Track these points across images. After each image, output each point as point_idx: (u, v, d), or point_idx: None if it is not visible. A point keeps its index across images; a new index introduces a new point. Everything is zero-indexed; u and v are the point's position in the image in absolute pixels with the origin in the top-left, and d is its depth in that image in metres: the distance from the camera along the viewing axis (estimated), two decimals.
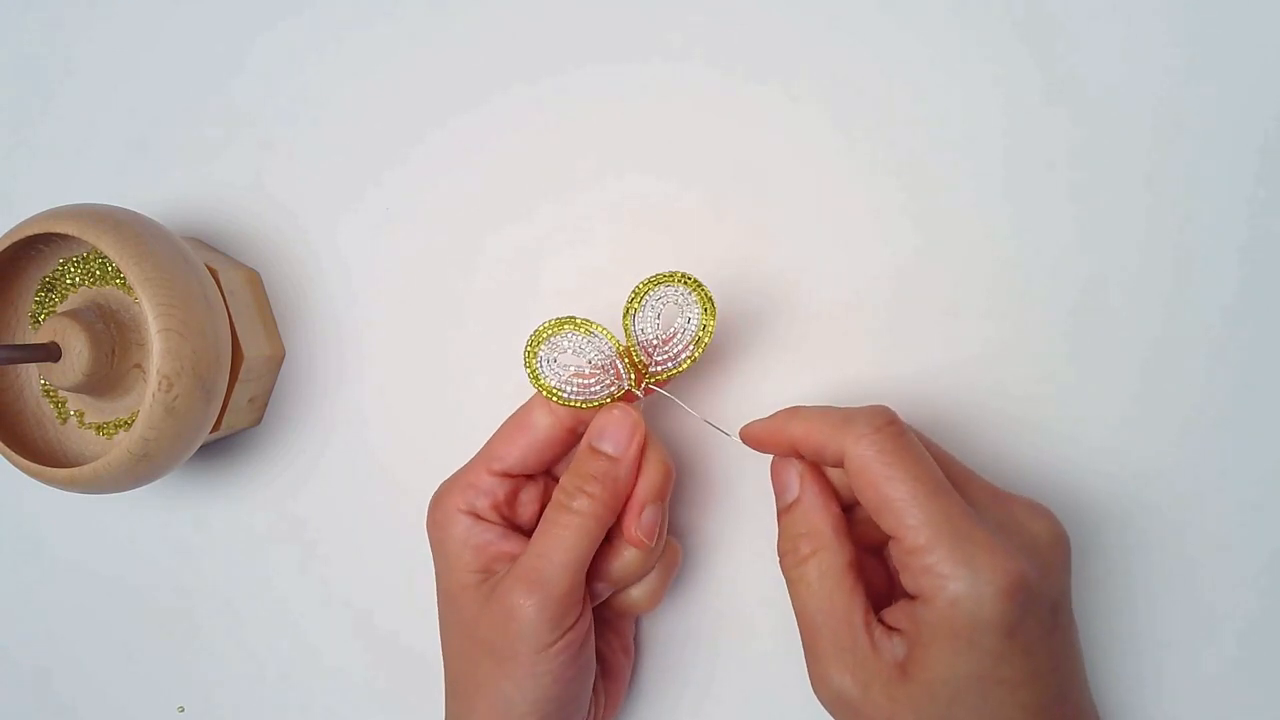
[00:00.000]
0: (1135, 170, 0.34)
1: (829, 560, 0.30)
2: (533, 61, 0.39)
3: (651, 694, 0.39)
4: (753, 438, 0.33)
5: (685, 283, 0.32)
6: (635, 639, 0.38)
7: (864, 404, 0.31)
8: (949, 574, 0.27)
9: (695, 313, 0.32)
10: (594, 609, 0.35)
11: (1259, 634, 0.34)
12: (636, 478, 0.32)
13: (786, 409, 0.32)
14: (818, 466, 0.32)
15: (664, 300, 0.33)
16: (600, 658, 0.36)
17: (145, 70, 0.43)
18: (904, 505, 0.28)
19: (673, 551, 0.35)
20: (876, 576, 0.32)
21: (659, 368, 0.33)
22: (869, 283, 0.36)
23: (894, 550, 0.29)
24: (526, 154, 0.39)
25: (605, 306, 0.38)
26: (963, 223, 0.36)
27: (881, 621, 0.29)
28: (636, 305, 0.33)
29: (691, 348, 0.32)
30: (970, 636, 0.27)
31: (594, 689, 0.35)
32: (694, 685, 0.38)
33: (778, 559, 0.32)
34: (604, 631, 0.36)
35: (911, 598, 0.28)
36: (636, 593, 0.35)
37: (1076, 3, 0.35)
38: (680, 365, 0.33)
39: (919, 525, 0.28)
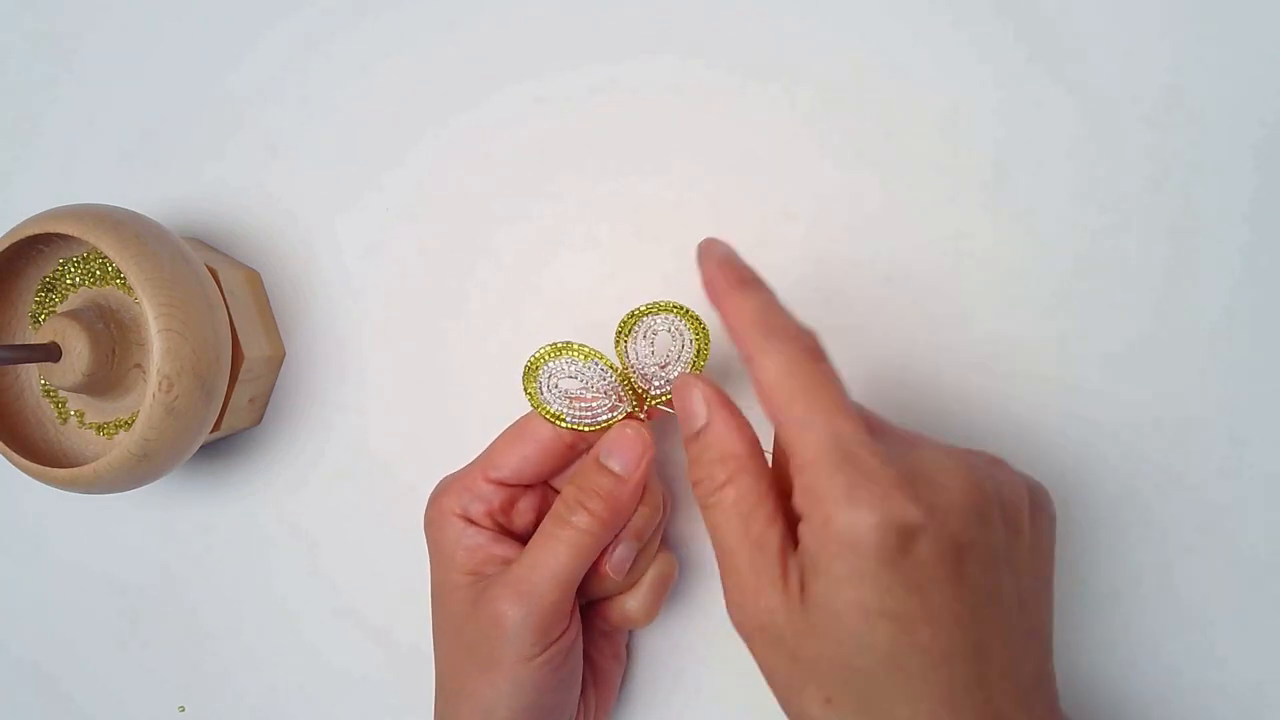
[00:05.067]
0: (1134, 168, 0.34)
1: (747, 484, 0.28)
2: (534, 61, 0.39)
3: (642, 701, 0.39)
4: (711, 285, 0.29)
5: (676, 311, 0.32)
6: (627, 646, 0.38)
7: (868, 405, 0.31)
8: (825, 491, 0.25)
9: (689, 338, 0.32)
10: (587, 620, 0.35)
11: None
12: (640, 500, 0.32)
13: (748, 278, 0.29)
14: (723, 392, 0.30)
15: (656, 328, 0.33)
16: (591, 664, 0.36)
17: (145, 70, 0.43)
18: (800, 421, 0.27)
19: (668, 565, 0.35)
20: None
21: (658, 391, 0.33)
22: (871, 284, 0.36)
23: (790, 469, 0.27)
24: (527, 153, 0.39)
25: (606, 310, 0.38)
26: (965, 224, 0.36)
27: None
28: (626, 335, 0.33)
29: (688, 371, 0.33)
30: (849, 560, 0.25)
31: (584, 695, 0.35)
32: (684, 693, 0.38)
33: (691, 488, 0.30)
34: (595, 639, 0.36)
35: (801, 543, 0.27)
36: (631, 605, 0.34)
37: (1076, 1, 0.35)
38: None
39: (809, 442, 0.26)
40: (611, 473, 0.32)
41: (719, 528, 0.29)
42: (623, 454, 0.32)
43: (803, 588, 0.26)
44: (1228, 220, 0.34)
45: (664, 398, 0.33)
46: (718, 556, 0.29)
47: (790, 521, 0.28)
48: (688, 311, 0.32)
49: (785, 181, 0.37)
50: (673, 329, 0.32)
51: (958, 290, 0.36)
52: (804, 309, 0.37)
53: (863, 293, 0.36)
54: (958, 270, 0.36)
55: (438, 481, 0.35)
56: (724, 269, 0.29)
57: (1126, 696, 0.35)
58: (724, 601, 0.28)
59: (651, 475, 0.33)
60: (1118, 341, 0.35)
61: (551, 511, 0.32)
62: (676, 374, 0.32)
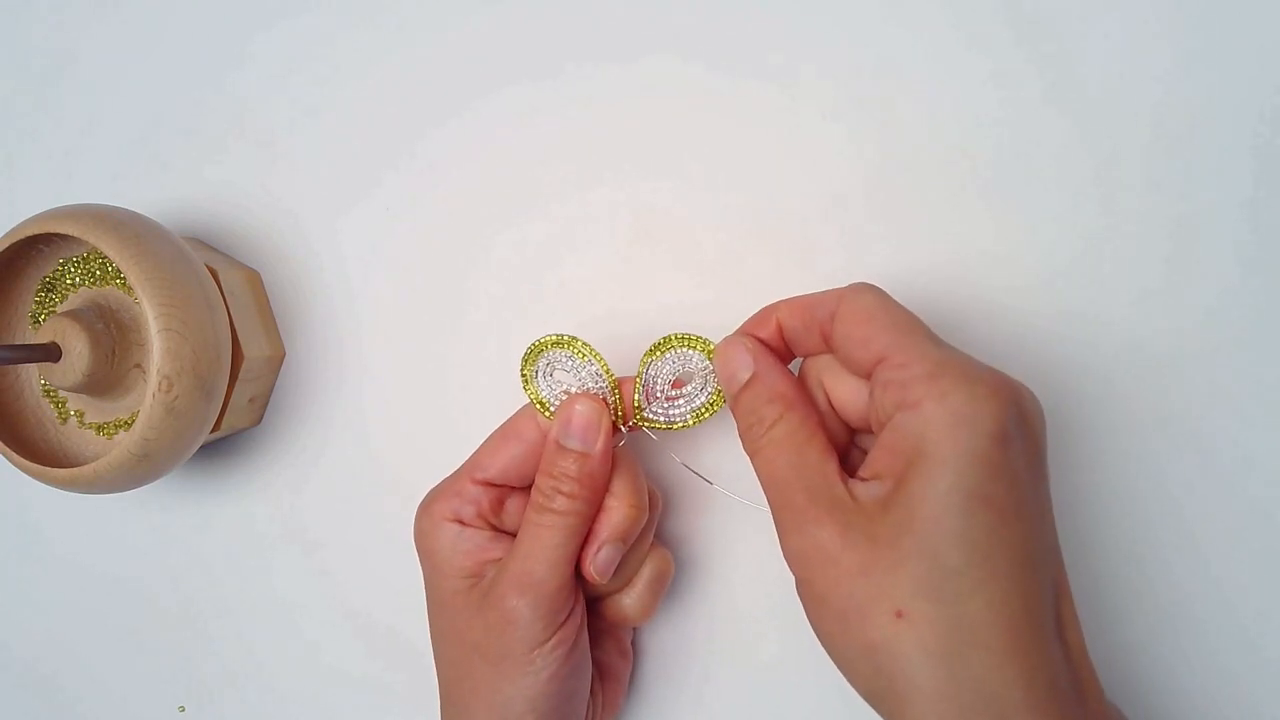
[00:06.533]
0: (1133, 168, 0.34)
1: (798, 419, 0.29)
2: (534, 61, 0.39)
3: (650, 698, 0.39)
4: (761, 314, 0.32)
5: (711, 354, 0.32)
6: (634, 643, 0.38)
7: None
8: (940, 374, 0.26)
9: (708, 388, 0.33)
10: (589, 619, 0.35)
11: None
12: (611, 467, 0.32)
13: (766, 305, 0.32)
14: (763, 343, 0.31)
15: (689, 361, 0.33)
16: (596, 662, 0.36)
17: (145, 70, 0.43)
18: (895, 328, 0.28)
19: (664, 563, 0.35)
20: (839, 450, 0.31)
21: (653, 415, 0.33)
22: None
23: (882, 374, 0.28)
24: (527, 154, 0.39)
25: (605, 310, 0.38)
26: (965, 226, 0.36)
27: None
28: (657, 354, 0.33)
29: (689, 417, 0.33)
30: (963, 438, 0.25)
31: (592, 691, 0.35)
32: (692, 689, 0.38)
33: (740, 441, 0.30)
34: (600, 637, 0.36)
35: (886, 450, 0.27)
36: (627, 604, 0.35)
37: (1076, 1, 0.35)
38: (673, 424, 0.33)
39: (910, 341, 0.27)
40: (573, 451, 0.32)
41: (772, 463, 0.29)
42: (578, 429, 0.32)
43: (886, 498, 0.26)
44: (1227, 220, 0.34)
45: (655, 424, 0.33)
46: (770, 496, 0.29)
47: (841, 456, 0.29)
48: None
49: (786, 183, 0.37)
50: (702, 371, 0.33)
51: (958, 294, 0.36)
52: None
53: None
54: (958, 273, 0.36)
55: (436, 484, 0.35)
56: (744, 325, 0.32)
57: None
58: (779, 541, 0.28)
59: (631, 476, 0.33)
60: (1117, 342, 0.35)
61: (531, 503, 0.32)
62: (678, 413, 0.33)
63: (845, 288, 0.30)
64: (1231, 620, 0.34)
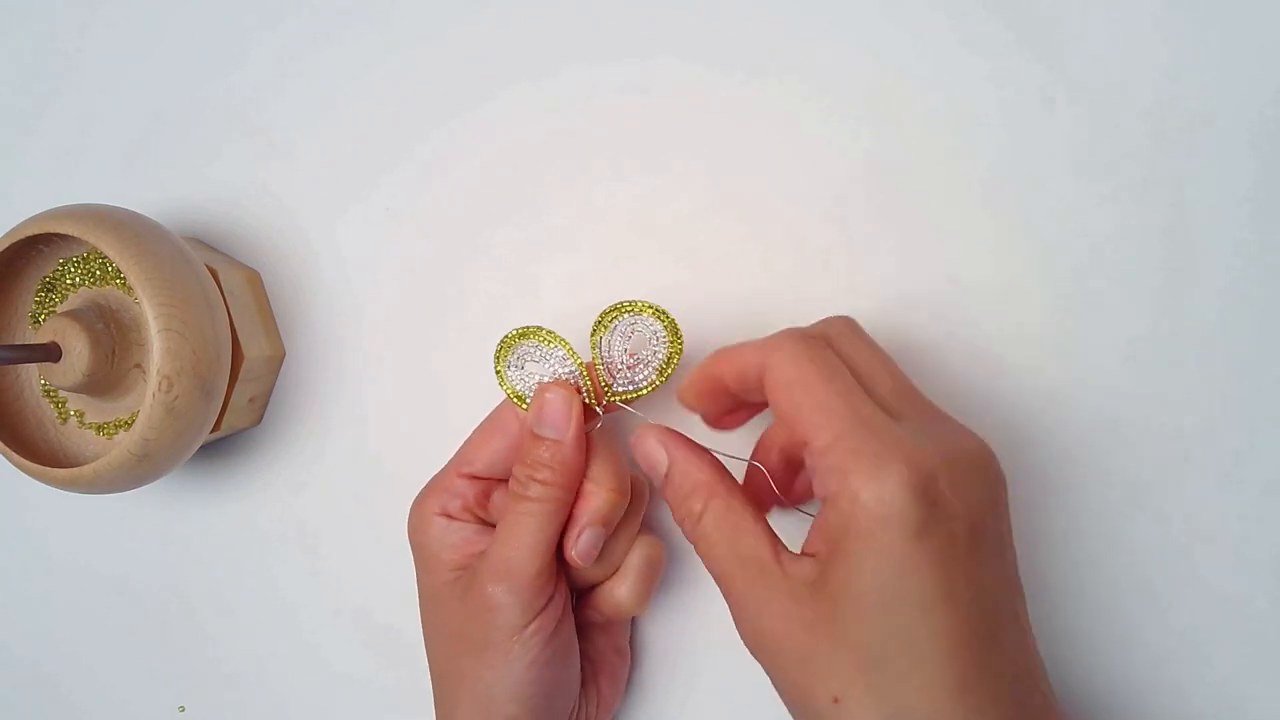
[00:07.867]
0: (1131, 169, 0.34)
1: (721, 507, 0.29)
2: (534, 61, 0.39)
3: (648, 695, 0.39)
4: (688, 394, 0.32)
5: (652, 312, 0.32)
6: (631, 640, 0.38)
7: None
8: (852, 467, 0.26)
9: (663, 344, 0.33)
10: (582, 612, 0.35)
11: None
12: (588, 454, 0.33)
13: (711, 354, 0.31)
14: (676, 433, 0.31)
15: (636, 328, 0.33)
16: (590, 659, 0.36)
17: (145, 70, 0.43)
18: (814, 407, 0.27)
19: (654, 549, 0.35)
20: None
21: (621, 387, 0.33)
22: (869, 285, 0.36)
23: (807, 457, 0.28)
24: (527, 154, 0.39)
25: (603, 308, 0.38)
26: (964, 224, 0.36)
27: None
28: (603, 330, 0.33)
29: (654, 375, 0.33)
30: (873, 535, 0.25)
31: (586, 688, 0.35)
32: (690, 687, 0.38)
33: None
34: (593, 634, 0.36)
35: (818, 531, 0.27)
36: (621, 593, 0.35)
37: (1074, 2, 0.35)
38: (640, 390, 0.33)
39: (827, 424, 0.27)
40: (546, 439, 0.32)
41: (708, 556, 0.30)
42: (550, 418, 0.32)
43: (816, 581, 0.27)
44: (1225, 220, 0.34)
45: (625, 395, 0.33)
46: (718, 584, 0.30)
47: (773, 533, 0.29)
48: (668, 317, 0.33)
49: (785, 182, 0.37)
50: (651, 333, 0.33)
51: (957, 292, 0.36)
52: (801, 310, 0.37)
53: (859, 295, 0.36)
54: (957, 274, 0.36)
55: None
56: (687, 380, 0.32)
57: (1107, 691, 0.35)
58: (735, 627, 0.29)
59: (612, 461, 0.33)
60: (1116, 342, 0.35)
61: (509, 493, 0.33)
62: (643, 376, 0.33)
63: (768, 343, 0.29)
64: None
